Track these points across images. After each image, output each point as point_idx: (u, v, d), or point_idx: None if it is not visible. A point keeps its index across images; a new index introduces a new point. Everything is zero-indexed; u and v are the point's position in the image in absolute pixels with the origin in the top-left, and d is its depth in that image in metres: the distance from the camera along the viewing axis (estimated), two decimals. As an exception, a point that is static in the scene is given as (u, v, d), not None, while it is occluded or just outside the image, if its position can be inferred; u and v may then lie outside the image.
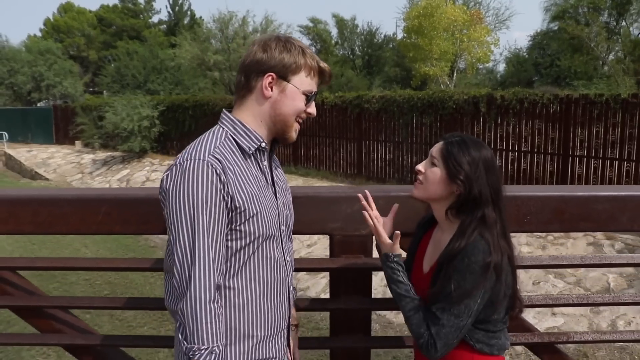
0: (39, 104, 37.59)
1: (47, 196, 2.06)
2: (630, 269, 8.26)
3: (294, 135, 1.69)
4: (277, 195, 1.70)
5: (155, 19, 50.88)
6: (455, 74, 26.33)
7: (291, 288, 1.78)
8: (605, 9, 24.05)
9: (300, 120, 1.68)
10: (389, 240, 1.74)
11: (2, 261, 2.14)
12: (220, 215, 1.50)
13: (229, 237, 1.55)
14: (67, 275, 9.46)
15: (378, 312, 7.77)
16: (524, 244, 9.61)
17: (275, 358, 1.69)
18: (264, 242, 1.61)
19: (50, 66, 37.26)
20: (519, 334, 2.10)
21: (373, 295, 2.06)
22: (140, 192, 2.05)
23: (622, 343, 6.78)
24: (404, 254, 1.83)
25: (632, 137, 10.10)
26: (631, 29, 24.41)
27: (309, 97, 1.65)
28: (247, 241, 1.57)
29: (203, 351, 1.47)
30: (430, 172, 1.71)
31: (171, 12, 48.31)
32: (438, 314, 1.62)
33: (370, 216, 1.77)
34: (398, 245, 1.74)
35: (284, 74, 1.61)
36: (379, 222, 1.79)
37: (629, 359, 6.48)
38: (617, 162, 10.33)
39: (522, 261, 2.02)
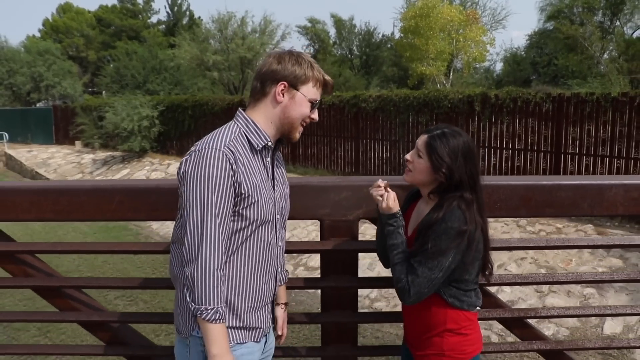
0: (38, 105, 37.57)
1: (66, 187, 2.29)
2: (617, 263, 8.51)
3: (297, 136, 1.97)
4: (275, 188, 1.96)
5: (154, 19, 50.94)
6: (451, 74, 26.50)
7: (279, 269, 2.04)
8: (600, 9, 24.25)
9: (305, 124, 1.95)
10: (389, 195, 2.01)
11: (24, 245, 2.36)
12: (228, 197, 1.76)
13: (232, 219, 1.81)
14: (69, 273, 9.72)
15: (374, 306, 8.03)
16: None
17: (260, 328, 1.95)
18: (261, 226, 1.88)
19: (50, 66, 37.18)
20: (491, 309, 2.33)
21: (360, 275, 2.30)
22: (150, 183, 2.27)
23: (611, 332, 7.01)
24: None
25: (622, 135, 10.30)
26: (625, 28, 24.65)
27: (313, 104, 1.94)
28: (247, 223, 1.84)
29: (210, 311, 1.73)
30: (417, 162, 1.99)
31: (170, 12, 48.37)
32: (415, 265, 1.89)
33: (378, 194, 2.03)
34: (397, 205, 2.02)
35: (294, 83, 1.89)
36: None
37: (616, 352, 6.68)
38: (607, 159, 10.52)
39: (492, 243, 2.24)
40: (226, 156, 1.76)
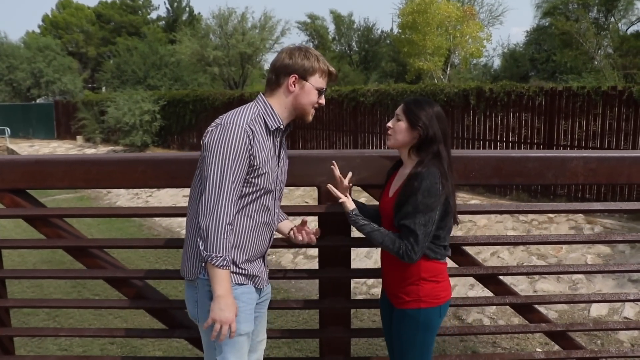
0: (38, 100, 37.63)
1: (96, 158, 2.62)
2: (605, 250, 8.79)
3: (310, 118, 2.32)
4: (279, 164, 2.31)
5: (153, 15, 51.09)
6: (449, 69, 26.72)
7: (272, 230, 2.39)
8: (594, 5, 24.46)
9: (315, 108, 2.29)
10: (345, 200, 2.37)
11: (54, 210, 2.68)
12: (243, 165, 2.09)
13: (243, 184, 2.15)
14: (75, 262, 9.98)
15: (371, 292, 8.35)
16: (510, 229, 10.12)
17: (256, 276, 2.30)
18: (264, 194, 2.24)
19: (49, 62, 37.36)
20: (468, 267, 2.66)
21: (353, 235, 2.63)
22: (170, 155, 2.60)
23: (597, 314, 7.32)
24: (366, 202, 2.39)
25: (612, 128, 10.55)
26: (619, 24, 24.86)
27: (320, 92, 2.26)
28: (254, 189, 2.18)
29: (219, 258, 2.06)
30: (397, 126, 2.32)
31: (170, 8, 48.44)
32: (411, 226, 2.17)
33: (331, 188, 2.40)
34: (351, 201, 2.38)
35: (304, 75, 2.22)
36: (342, 185, 2.44)
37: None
38: (598, 151, 10.75)
39: (468, 207, 2.57)
40: (246, 132, 2.08)
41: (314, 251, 10.15)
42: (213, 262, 2.05)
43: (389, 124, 2.36)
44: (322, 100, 2.29)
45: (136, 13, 48.94)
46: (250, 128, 2.12)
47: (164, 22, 49.15)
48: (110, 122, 22.94)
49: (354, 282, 6.99)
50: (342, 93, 15.85)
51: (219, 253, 2.05)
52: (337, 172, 2.43)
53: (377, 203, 2.52)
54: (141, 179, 2.55)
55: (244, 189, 2.15)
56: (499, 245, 2.61)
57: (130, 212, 2.61)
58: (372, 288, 8.50)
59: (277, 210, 2.36)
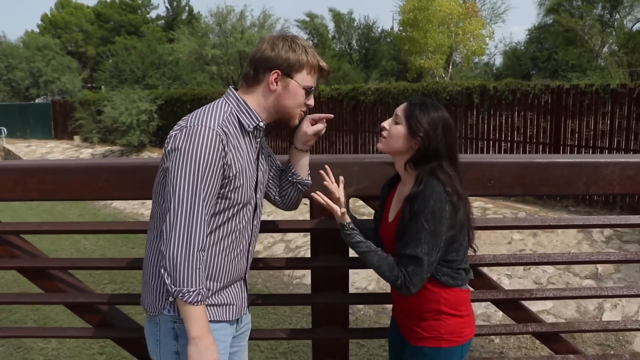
0: (37, 100, 37.48)
1: (51, 165, 2.25)
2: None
3: (296, 122, 1.94)
4: (258, 168, 1.94)
5: (153, 14, 50.92)
6: (450, 67, 26.42)
7: (252, 247, 2.01)
8: (599, 1, 24.15)
9: (302, 111, 1.93)
10: (339, 213, 1.98)
11: (9, 225, 2.32)
12: (217, 178, 1.72)
13: (217, 200, 1.78)
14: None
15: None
16: (515, 231, 9.80)
17: (233, 305, 1.93)
18: (243, 208, 1.86)
19: (48, 62, 37.14)
20: (485, 291, 2.29)
21: (350, 255, 2.25)
22: (137, 161, 2.24)
23: (584, 309, 6.99)
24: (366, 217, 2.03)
25: (621, 127, 10.21)
26: (625, 21, 24.53)
27: (308, 92, 1.89)
28: (228, 205, 1.82)
29: (192, 293, 1.69)
30: (394, 129, 1.95)
31: (169, 7, 48.30)
32: (411, 254, 1.82)
33: (319, 197, 2.00)
34: (346, 215, 1.99)
35: (288, 71, 1.84)
36: (335, 194, 2.03)
37: (613, 339, 6.65)
38: (607, 151, 10.41)
39: (486, 222, 2.21)
40: (219, 136, 1.72)
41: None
42: (185, 299, 1.69)
43: (385, 124, 1.99)
44: (311, 101, 1.92)
45: (135, 12, 48.73)
46: (222, 130, 1.74)
47: (163, 21, 48.97)
48: (107, 121, 22.66)
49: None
50: (342, 92, 15.56)
51: (192, 287, 1.69)
52: (329, 179, 2.05)
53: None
54: (104, 189, 2.18)
55: (217, 205, 1.79)
56: (521, 265, 2.22)
57: (93, 227, 2.24)
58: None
59: (256, 222, 1.99)
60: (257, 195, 1.95)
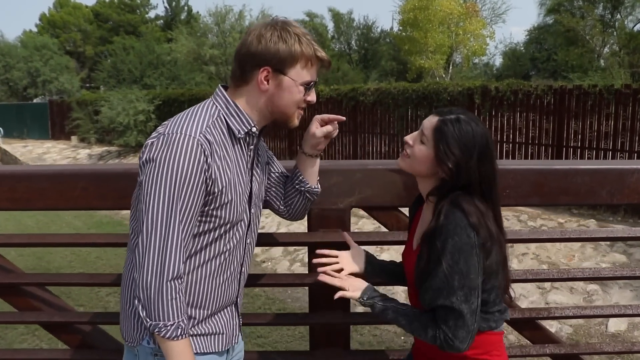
0: (35, 100, 37.36)
1: (24, 172, 2.05)
2: (621, 258, 8.29)
3: (296, 122, 1.68)
4: (253, 179, 1.70)
5: (152, 14, 50.77)
6: (451, 67, 26.27)
7: (244, 269, 1.77)
8: (600, 1, 24.03)
9: (302, 108, 1.66)
10: (348, 295, 1.72)
11: (-21, 239, 2.12)
12: (198, 195, 1.49)
13: (199, 220, 1.55)
14: (62, 267, 9.49)
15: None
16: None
17: (222, 334, 1.70)
18: (231, 227, 1.62)
19: (47, 62, 36.94)
20: (499, 309, 2.09)
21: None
22: (118, 167, 2.04)
23: (616, 330, 6.82)
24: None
25: (625, 128, 10.07)
26: (626, 21, 24.41)
27: (307, 87, 1.62)
28: (215, 225, 1.58)
29: (170, 327, 1.47)
30: (418, 150, 1.63)
31: (168, 7, 48.18)
32: (445, 305, 1.54)
33: (329, 278, 1.76)
34: (354, 293, 1.71)
35: (280, 67, 1.57)
36: (342, 269, 1.82)
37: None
38: (610, 152, 10.33)
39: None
40: (201, 146, 1.48)
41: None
42: (162, 334, 1.48)
43: (409, 139, 1.67)
44: (312, 97, 1.65)
45: (134, 12, 48.59)
46: (205, 138, 1.50)
47: (162, 21, 48.81)
48: (104, 122, 22.55)
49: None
50: (342, 92, 15.40)
51: (169, 320, 1.47)
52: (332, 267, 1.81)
53: (382, 227, 1.96)
54: (82, 198, 1.98)
55: (201, 226, 1.56)
56: (538, 282, 2.01)
57: (68, 240, 2.04)
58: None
59: (249, 241, 1.74)
60: (252, 211, 1.70)
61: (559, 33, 24.37)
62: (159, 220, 1.45)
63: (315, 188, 1.86)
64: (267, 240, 2.01)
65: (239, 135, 1.60)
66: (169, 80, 30.23)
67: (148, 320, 1.47)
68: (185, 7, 48.25)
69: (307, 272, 2.12)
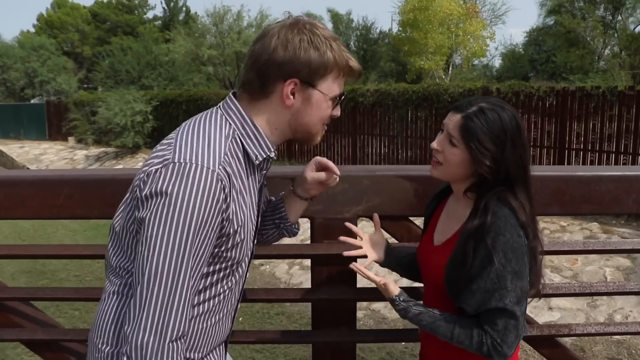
0: (32, 101, 37.27)
1: (3, 178, 1.89)
2: (625, 262, 8.15)
3: (318, 139, 1.48)
4: (259, 208, 1.50)
5: (150, 14, 50.68)
6: (450, 69, 26.16)
7: (239, 304, 1.59)
8: (601, 2, 23.95)
9: (328, 122, 1.46)
10: (383, 284, 1.57)
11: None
12: (213, 240, 1.28)
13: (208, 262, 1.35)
14: (57, 271, 9.30)
15: (372, 308, 7.62)
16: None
17: None
18: (237, 266, 1.44)
19: (44, 62, 36.84)
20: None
21: (359, 285, 1.90)
22: (105, 173, 1.88)
23: (621, 336, 6.68)
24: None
25: (628, 130, 9.97)
26: (627, 23, 24.32)
27: (336, 101, 1.43)
28: (222, 266, 1.38)
29: None
30: (450, 154, 1.50)
31: (166, 8, 48.07)
32: (498, 307, 1.42)
33: (359, 269, 1.60)
34: (393, 286, 1.58)
35: (310, 79, 1.35)
36: (368, 251, 1.70)
37: (626, 353, 6.36)
38: (613, 155, 10.23)
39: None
40: (221, 182, 1.24)
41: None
42: None
43: (436, 146, 1.54)
44: (337, 111, 1.44)
45: (132, 13, 48.49)
46: (225, 171, 1.27)
47: (160, 21, 48.70)
48: (101, 122, 22.41)
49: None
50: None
51: None
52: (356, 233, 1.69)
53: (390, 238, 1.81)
54: (66, 206, 1.83)
55: (207, 267, 1.34)
56: (559, 297, 1.86)
57: (54, 252, 1.89)
58: (372, 304, 7.79)
59: (247, 273, 1.54)
60: (254, 243, 1.51)
61: (560, 34, 24.28)
62: (164, 271, 1.21)
63: (295, 228, 1.68)
64: (267, 252, 1.86)
65: (256, 162, 1.38)
66: (167, 81, 30.20)
67: None
68: (184, 8, 48.14)
69: (309, 283, 1.97)
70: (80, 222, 13.39)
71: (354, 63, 1.41)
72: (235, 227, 1.31)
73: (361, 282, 1.87)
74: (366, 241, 1.74)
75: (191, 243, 1.21)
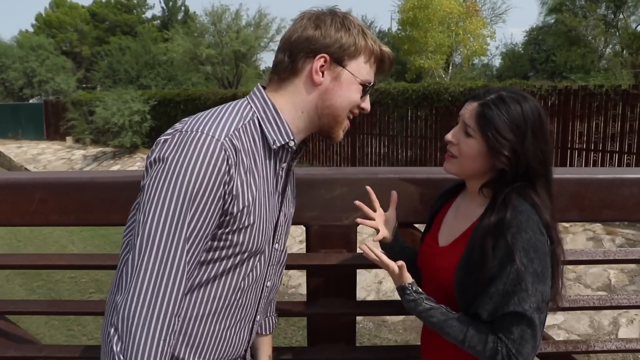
0: (31, 101, 37.26)
1: (-30, 181, 1.74)
2: (631, 265, 8.03)
3: (341, 134, 1.42)
4: (282, 207, 1.40)
5: (148, 14, 50.68)
6: (450, 68, 26.05)
7: (259, 317, 1.45)
8: (603, 1, 23.86)
9: (351, 117, 1.40)
10: (397, 270, 1.39)
11: None
12: (213, 212, 1.20)
13: (208, 245, 1.25)
14: (52, 273, 9.16)
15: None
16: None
17: None
18: (248, 259, 1.32)
19: (43, 62, 36.85)
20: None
21: (358, 297, 1.75)
22: (82, 176, 1.72)
23: (598, 323, 6.57)
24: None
25: (632, 130, 9.84)
26: (629, 21, 24.21)
27: (366, 88, 1.36)
28: (229, 253, 1.27)
29: None
30: (466, 145, 1.38)
31: (165, 7, 48.06)
32: (517, 311, 1.27)
33: (369, 250, 1.41)
34: (407, 273, 1.40)
35: (340, 57, 1.31)
36: (382, 231, 1.53)
37: (632, 357, 6.23)
38: (617, 155, 10.12)
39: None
40: (225, 152, 1.19)
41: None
42: None
43: (451, 138, 1.42)
44: (367, 104, 1.38)
45: (131, 12, 48.45)
46: (232, 143, 1.21)
47: (159, 21, 48.66)
48: (98, 122, 22.32)
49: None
50: (340, 92, 15.09)
51: None
52: (372, 204, 1.53)
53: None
54: (39, 212, 1.67)
55: (211, 253, 1.26)
56: (578, 310, 1.71)
57: (28, 262, 1.73)
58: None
59: (269, 284, 1.43)
60: (275, 246, 1.40)
61: (561, 33, 24.18)
62: (158, 235, 1.15)
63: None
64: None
65: (274, 147, 1.31)
66: (166, 80, 30.21)
67: (121, 357, 1.15)
68: (182, 7, 48.09)
69: (305, 295, 1.81)
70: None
71: (386, 49, 1.37)
72: (241, 207, 1.23)
73: (361, 295, 1.71)
74: (379, 215, 1.57)
75: (188, 208, 1.16)
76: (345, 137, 14.87)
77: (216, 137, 1.19)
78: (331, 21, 1.31)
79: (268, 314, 1.60)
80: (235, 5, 53.24)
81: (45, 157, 24.67)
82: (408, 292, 1.39)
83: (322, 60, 1.30)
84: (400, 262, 1.38)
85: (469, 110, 1.39)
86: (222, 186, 1.19)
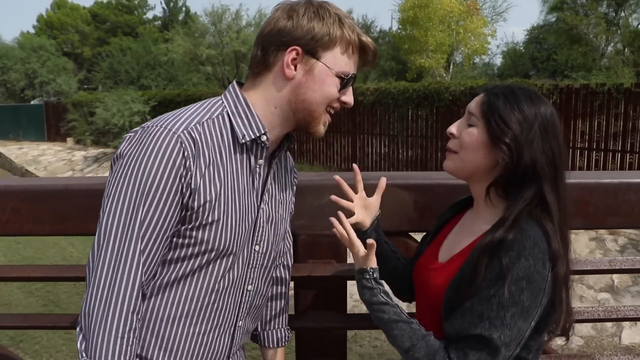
0: (32, 102, 37.32)
1: (-61, 189, 1.65)
2: (636, 266, 7.95)
3: (321, 129, 1.33)
4: (261, 206, 1.33)
5: (149, 15, 50.74)
6: (451, 67, 25.97)
7: (243, 323, 1.38)
8: (605, -1, 23.82)
9: (332, 111, 1.33)
10: (362, 252, 1.29)
11: None
12: (170, 206, 1.16)
13: (171, 242, 1.21)
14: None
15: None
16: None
17: None
18: (219, 260, 1.25)
19: (44, 63, 36.94)
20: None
21: (349, 311, 1.65)
22: (58, 182, 1.63)
23: (602, 326, 6.50)
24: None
25: (635, 129, 9.80)
26: (630, 19, 24.14)
27: (344, 80, 1.28)
28: (195, 251, 1.22)
29: None
30: (467, 134, 1.27)
31: (166, 8, 48.07)
32: (482, 335, 1.14)
33: (341, 221, 1.32)
34: (374, 257, 1.30)
35: (312, 48, 1.25)
36: (356, 214, 1.40)
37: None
38: (619, 154, 10.06)
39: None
40: (181, 144, 1.15)
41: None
42: None
43: (452, 129, 1.31)
44: (348, 97, 1.31)
45: (132, 13, 48.52)
46: (189, 136, 1.17)
47: (160, 22, 48.72)
48: (98, 123, 22.35)
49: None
50: (340, 92, 15.07)
51: None
52: (344, 203, 1.40)
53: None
54: (12, 222, 1.58)
55: (176, 250, 1.21)
56: (583, 322, 1.60)
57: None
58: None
59: (250, 287, 1.35)
60: (256, 248, 1.33)
61: (562, 31, 24.11)
62: (112, 232, 1.14)
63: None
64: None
65: (243, 141, 1.25)
66: (166, 81, 30.26)
67: (83, 355, 1.13)
68: (183, 8, 48.11)
69: (293, 308, 1.73)
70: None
71: (365, 39, 1.29)
72: (202, 201, 1.19)
73: (351, 308, 1.62)
74: (360, 197, 1.46)
75: (140, 203, 1.14)
76: (346, 137, 14.87)
77: (173, 130, 1.16)
78: (304, 11, 1.25)
79: (276, 327, 1.54)
80: (235, 6, 53.25)
81: (46, 159, 24.65)
82: (367, 277, 1.29)
83: (294, 52, 1.24)
84: (371, 241, 1.28)
85: (476, 101, 1.30)
86: (178, 179, 1.15)
